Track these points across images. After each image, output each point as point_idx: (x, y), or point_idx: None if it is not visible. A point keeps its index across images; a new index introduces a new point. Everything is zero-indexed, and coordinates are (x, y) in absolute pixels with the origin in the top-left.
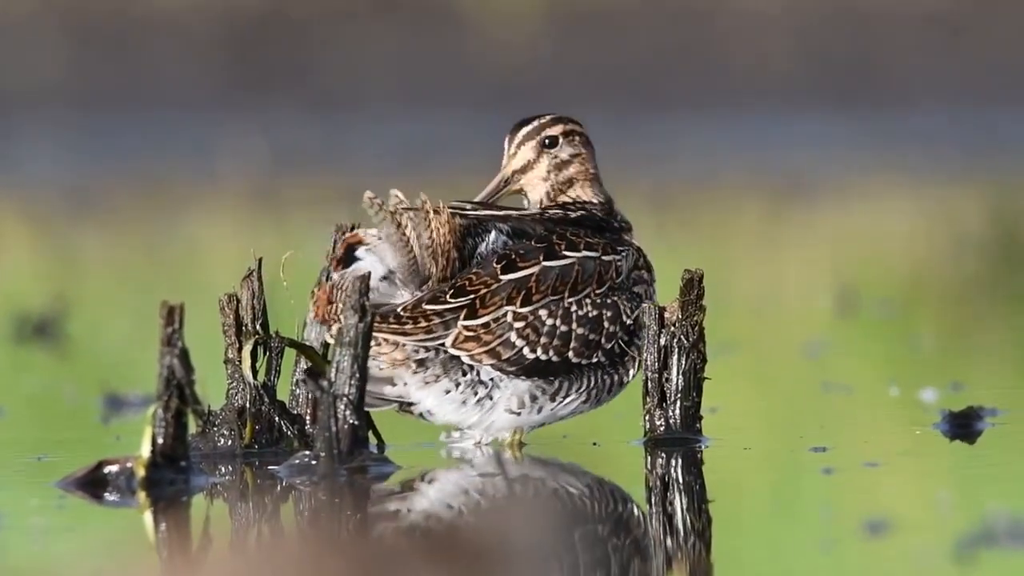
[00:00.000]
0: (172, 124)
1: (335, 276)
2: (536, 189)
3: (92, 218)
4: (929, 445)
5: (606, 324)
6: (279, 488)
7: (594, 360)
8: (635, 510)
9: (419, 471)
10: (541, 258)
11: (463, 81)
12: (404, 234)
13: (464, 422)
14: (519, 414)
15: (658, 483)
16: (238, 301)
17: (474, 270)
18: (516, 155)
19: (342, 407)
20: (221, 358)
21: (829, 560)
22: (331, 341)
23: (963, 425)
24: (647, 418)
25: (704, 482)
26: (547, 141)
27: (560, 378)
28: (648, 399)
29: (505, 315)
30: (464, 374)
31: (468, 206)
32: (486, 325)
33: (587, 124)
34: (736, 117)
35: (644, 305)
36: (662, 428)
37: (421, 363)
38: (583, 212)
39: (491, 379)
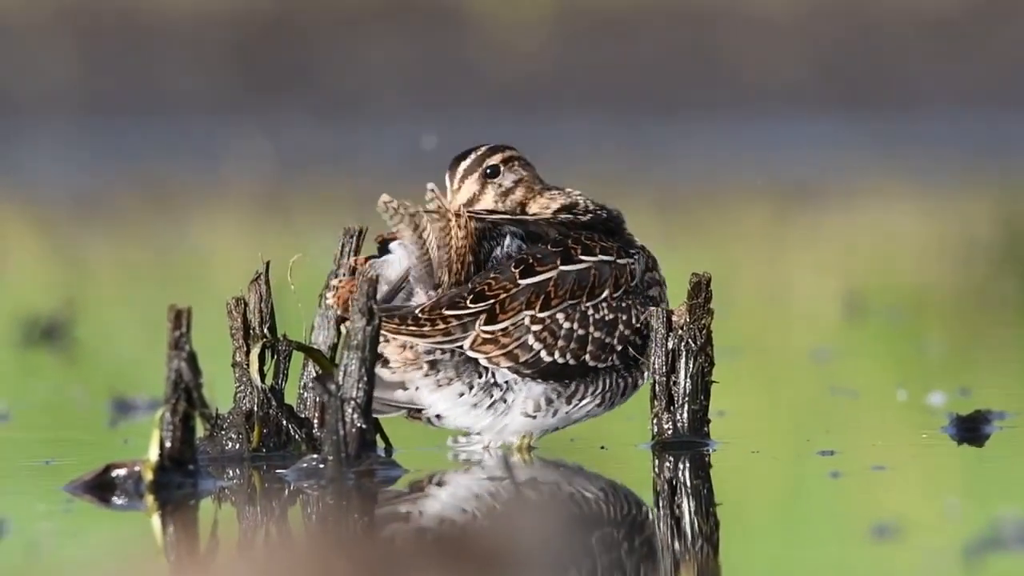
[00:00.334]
0: (180, 128)
1: (368, 270)
2: None
3: (100, 222)
4: (937, 449)
5: (621, 327)
6: (287, 492)
7: (609, 363)
8: (643, 513)
9: (427, 475)
10: (558, 262)
11: (470, 86)
12: (422, 236)
13: (476, 426)
14: (534, 417)
15: (666, 487)
16: (246, 304)
17: (492, 275)
18: (460, 190)
19: (350, 411)
20: (229, 362)
21: (837, 564)
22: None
23: (971, 429)
24: (655, 421)
25: (712, 486)
26: (488, 171)
27: (575, 381)
28: (656, 402)
29: (524, 319)
30: (479, 376)
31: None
32: (504, 328)
33: (594, 128)
34: (743, 121)
35: (652, 308)
36: (670, 431)
37: (433, 365)
38: (591, 215)
39: (506, 382)
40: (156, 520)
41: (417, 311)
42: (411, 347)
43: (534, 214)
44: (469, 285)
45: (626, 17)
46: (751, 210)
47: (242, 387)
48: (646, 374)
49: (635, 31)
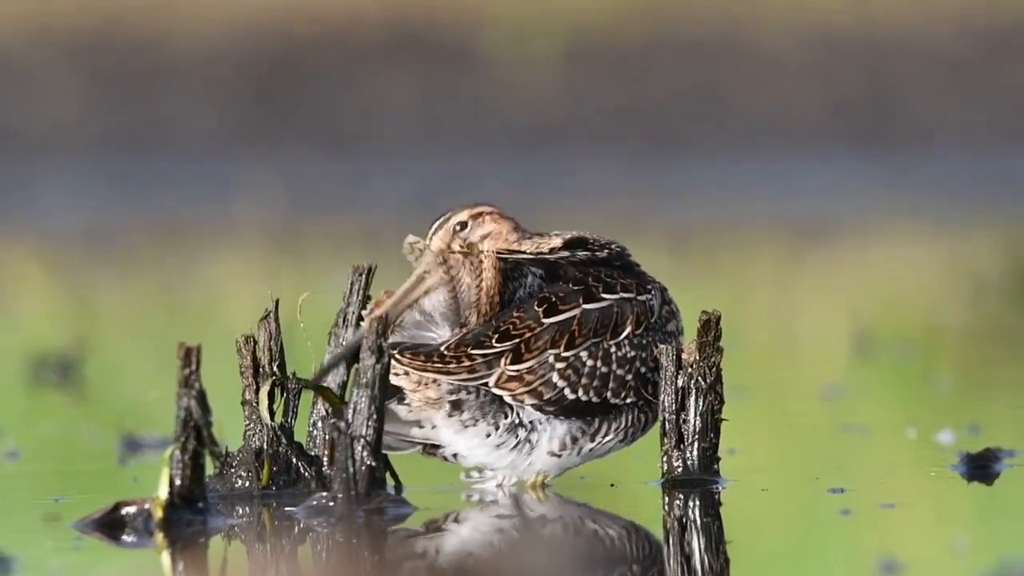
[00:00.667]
0: (190, 166)
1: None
2: None
3: (110, 260)
4: (947, 486)
5: (638, 364)
6: (296, 529)
7: (629, 400)
8: (653, 551)
9: (438, 512)
10: (581, 301)
11: (481, 123)
12: (450, 275)
13: (498, 464)
14: (560, 456)
15: (676, 524)
16: (255, 342)
17: (516, 314)
18: (431, 243)
19: (359, 448)
20: (238, 399)
21: None
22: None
23: (981, 467)
24: (665, 459)
25: (722, 523)
26: (457, 227)
27: (598, 418)
28: (666, 440)
29: (548, 357)
30: (505, 416)
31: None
32: (530, 367)
33: (604, 166)
34: (754, 159)
35: (661, 347)
36: (680, 469)
37: (457, 405)
38: (608, 251)
39: (531, 422)
40: (166, 558)
41: (443, 348)
42: (431, 385)
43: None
44: (494, 323)
45: (636, 56)
46: (761, 249)
47: (252, 425)
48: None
49: (645, 69)
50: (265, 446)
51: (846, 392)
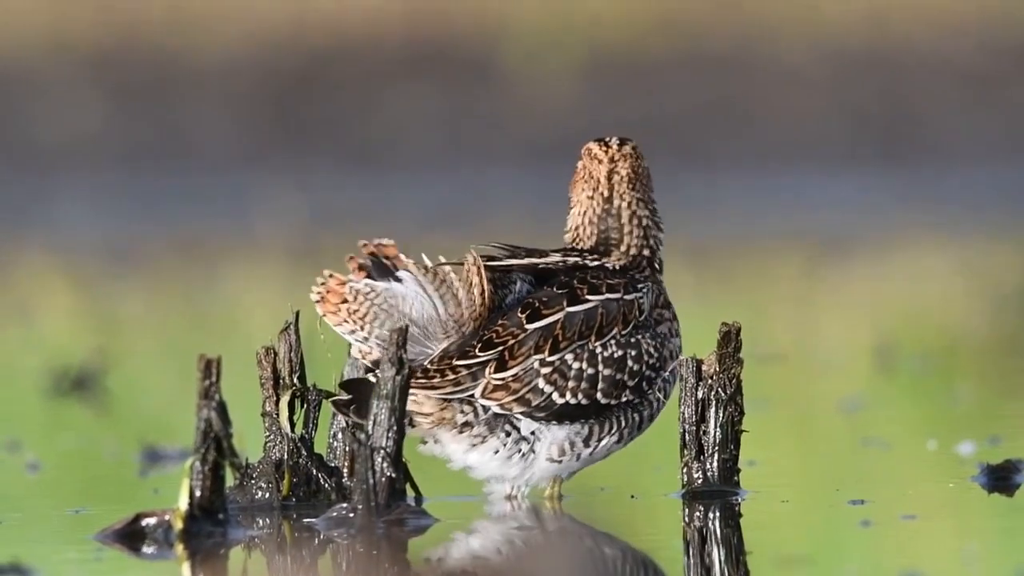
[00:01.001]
0: (211, 180)
1: (356, 281)
2: None
3: (131, 274)
4: (967, 498)
5: (630, 363)
6: (317, 541)
7: (623, 399)
8: (674, 563)
9: (458, 524)
10: (564, 304)
11: (501, 137)
12: (447, 288)
13: (506, 475)
14: (560, 462)
15: (696, 536)
16: (275, 354)
17: (500, 321)
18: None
19: (379, 459)
20: (258, 411)
21: None
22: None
23: (1001, 478)
24: (685, 470)
25: (742, 535)
26: None
27: (593, 421)
28: (686, 451)
29: (533, 363)
30: (507, 435)
31: (494, 249)
32: (515, 374)
33: None
34: (773, 172)
35: (682, 358)
36: (700, 481)
37: (465, 425)
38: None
39: (532, 432)
40: (186, 569)
41: (426, 363)
42: (440, 407)
43: (565, 253)
44: (479, 333)
45: (655, 70)
46: (781, 261)
47: (272, 436)
48: (657, 408)
49: (664, 83)
50: (285, 457)
51: (866, 404)
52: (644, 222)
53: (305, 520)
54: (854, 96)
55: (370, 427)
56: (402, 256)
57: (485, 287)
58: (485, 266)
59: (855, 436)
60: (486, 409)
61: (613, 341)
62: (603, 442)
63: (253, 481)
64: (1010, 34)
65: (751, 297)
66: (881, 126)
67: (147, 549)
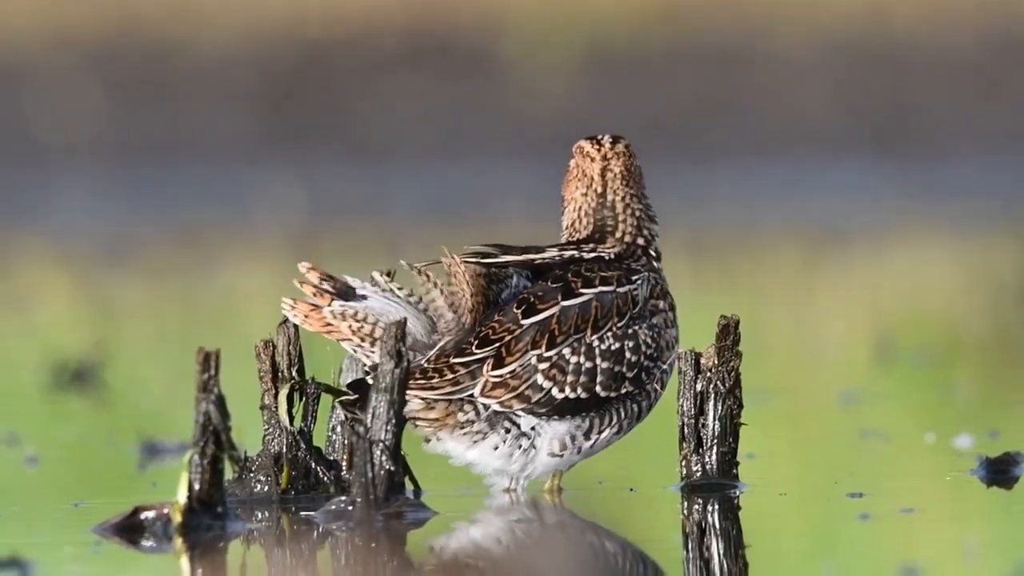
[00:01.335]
0: (209, 174)
1: (328, 306)
2: None
3: (130, 267)
4: (966, 491)
5: (628, 355)
6: (315, 534)
7: (622, 391)
8: (672, 556)
9: (456, 517)
10: (559, 298)
11: (500, 130)
12: (431, 289)
13: (506, 470)
14: (561, 456)
15: (695, 528)
16: (274, 347)
17: (496, 317)
18: None
19: (378, 452)
20: (257, 404)
21: None
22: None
23: (1000, 471)
24: (684, 463)
25: (741, 527)
26: None
27: (593, 414)
28: (685, 444)
29: (531, 359)
30: (507, 431)
31: (487, 248)
32: (512, 371)
33: None
34: (773, 165)
35: (681, 350)
36: (699, 473)
37: (466, 423)
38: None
39: (532, 427)
40: (184, 562)
41: (423, 362)
42: (435, 406)
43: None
44: (476, 329)
45: (654, 61)
46: (780, 254)
47: (270, 429)
48: (655, 397)
49: (665, 76)
50: (284, 450)
51: (865, 397)
52: (638, 213)
53: (304, 513)
54: (853, 88)
55: (369, 420)
56: (346, 277)
57: (467, 277)
58: (467, 260)
59: (854, 429)
60: (486, 407)
61: (610, 334)
62: (603, 434)
63: (252, 474)
64: (1008, 26)
65: (750, 288)
66: (880, 118)
67: (146, 542)
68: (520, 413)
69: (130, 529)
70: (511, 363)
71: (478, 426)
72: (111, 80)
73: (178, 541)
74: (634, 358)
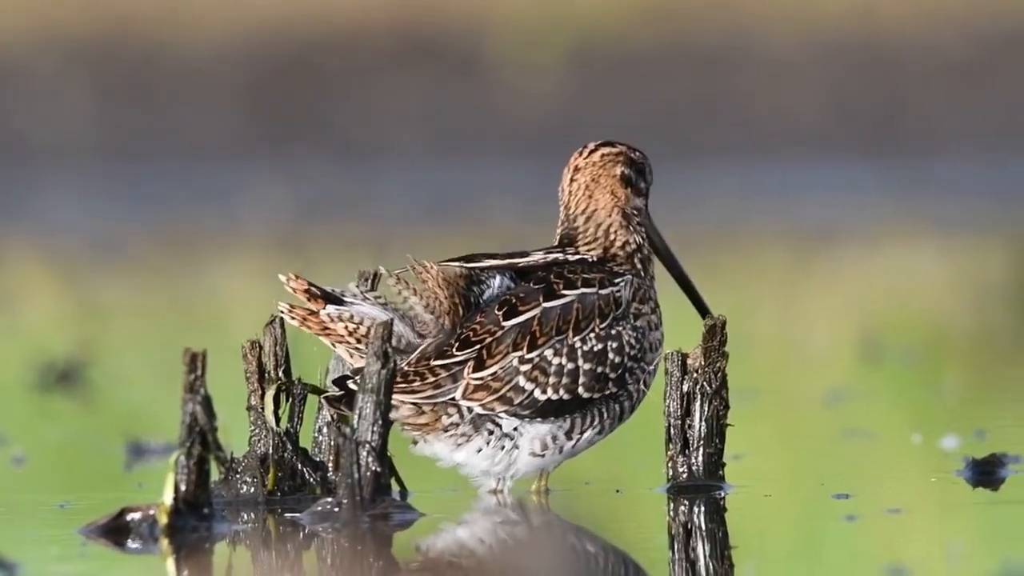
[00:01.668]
0: (196, 173)
1: (322, 309)
2: None
3: (116, 267)
4: (952, 492)
5: (611, 355)
6: (302, 535)
7: (605, 392)
8: (658, 557)
9: (443, 518)
10: (541, 299)
11: (487, 130)
12: (409, 296)
13: (491, 471)
14: (543, 456)
15: (681, 530)
16: (261, 348)
17: (477, 319)
18: None
19: (364, 454)
20: (244, 405)
21: None
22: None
23: (986, 472)
24: (670, 465)
25: (727, 529)
26: None
27: (575, 415)
28: (671, 446)
29: (512, 361)
30: (490, 432)
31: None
32: (493, 373)
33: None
34: (761, 165)
35: (667, 352)
36: (685, 475)
37: (450, 426)
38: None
39: (514, 428)
40: (170, 564)
41: (403, 365)
42: (429, 410)
43: (547, 252)
44: (456, 331)
45: (641, 60)
46: (768, 254)
47: (257, 430)
48: (637, 398)
49: (652, 74)
50: (270, 452)
51: (851, 397)
52: (611, 223)
53: (290, 514)
54: (843, 87)
55: (355, 421)
56: (327, 287)
57: (439, 279)
58: (446, 262)
59: (840, 429)
60: (470, 409)
61: (592, 335)
62: (585, 434)
63: (238, 475)
64: (998, 25)
65: (737, 288)
66: (871, 118)
67: (132, 543)
68: (503, 415)
69: (116, 530)
70: (492, 365)
71: (463, 428)
72: (99, 80)
73: (164, 542)
74: (618, 359)
